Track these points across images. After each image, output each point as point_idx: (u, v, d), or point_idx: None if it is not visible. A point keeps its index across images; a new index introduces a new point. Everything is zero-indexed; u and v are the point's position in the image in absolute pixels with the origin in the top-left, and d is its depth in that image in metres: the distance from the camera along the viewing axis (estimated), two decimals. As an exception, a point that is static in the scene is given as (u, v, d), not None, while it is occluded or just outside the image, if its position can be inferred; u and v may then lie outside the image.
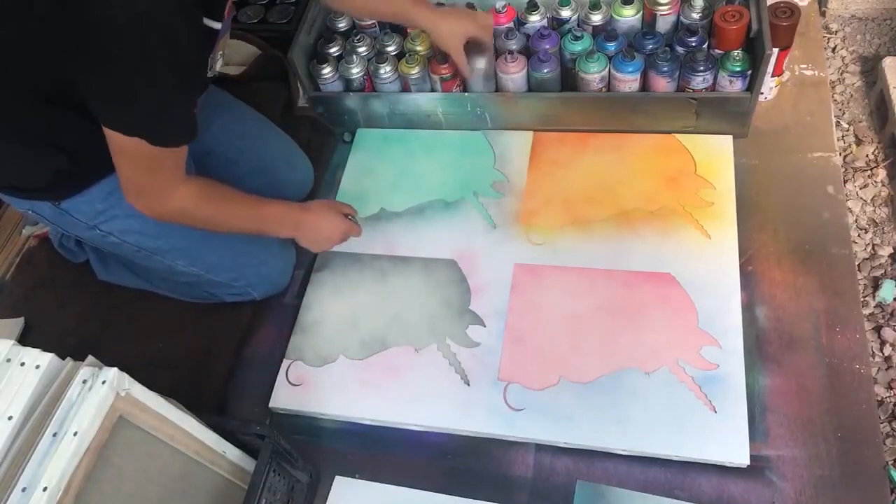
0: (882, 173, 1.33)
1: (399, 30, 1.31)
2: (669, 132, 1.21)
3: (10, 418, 0.61)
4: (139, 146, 0.80)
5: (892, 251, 1.24)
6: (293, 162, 1.24)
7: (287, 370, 1.08)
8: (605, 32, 1.18)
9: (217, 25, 0.85)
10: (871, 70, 1.47)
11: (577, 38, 1.17)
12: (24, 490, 0.58)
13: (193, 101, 0.88)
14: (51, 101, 0.85)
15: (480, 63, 1.11)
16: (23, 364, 0.63)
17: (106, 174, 0.95)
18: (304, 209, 1.08)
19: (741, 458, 0.89)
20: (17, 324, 1.21)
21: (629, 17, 1.19)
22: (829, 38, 1.55)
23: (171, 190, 0.89)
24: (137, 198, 0.89)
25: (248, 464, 0.86)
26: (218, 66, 0.92)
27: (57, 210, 0.98)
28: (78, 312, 1.22)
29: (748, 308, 1.02)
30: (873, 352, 1.13)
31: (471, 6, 1.25)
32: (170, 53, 0.76)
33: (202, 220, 0.95)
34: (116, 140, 0.81)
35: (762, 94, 1.21)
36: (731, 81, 1.12)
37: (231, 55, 1.30)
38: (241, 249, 1.09)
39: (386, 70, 1.24)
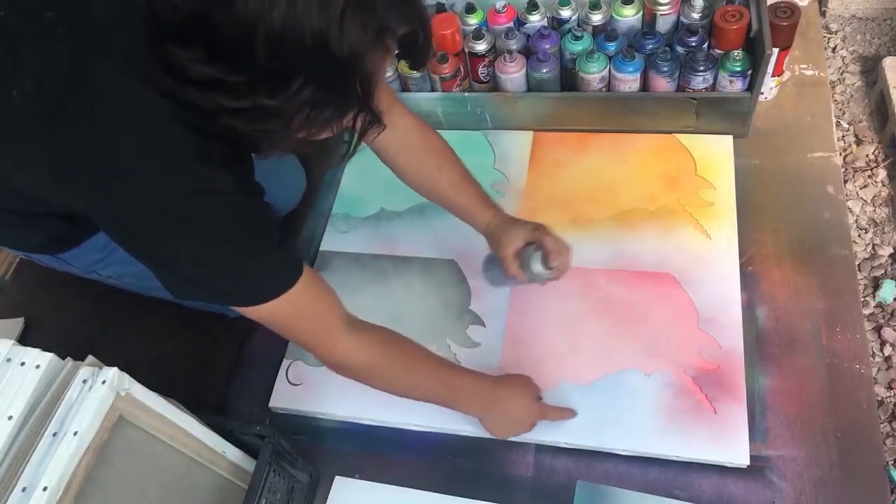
0: (882, 173, 1.33)
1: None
2: (669, 132, 1.21)
3: (10, 418, 0.60)
4: (260, 311, 0.70)
5: (892, 251, 1.24)
6: (285, 172, 1.21)
7: (287, 370, 1.08)
8: (605, 32, 1.18)
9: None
10: (871, 70, 1.47)
11: (577, 38, 1.17)
12: (24, 490, 0.58)
13: (262, 243, 0.70)
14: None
15: (537, 266, 0.99)
16: (23, 364, 0.63)
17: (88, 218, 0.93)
18: (497, 384, 0.93)
19: (741, 458, 0.89)
20: (17, 324, 1.21)
21: (629, 17, 1.19)
22: (829, 38, 1.55)
23: (331, 344, 0.77)
24: (319, 359, 0.80)
25: (248, 464, 0.86)
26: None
27: (54, 259, 0.97)
28: (78, 312, 1.22)
29: (748, 308, 1.02)
30: (873, 352, 1.13)
31: (471, 6, 1.26)
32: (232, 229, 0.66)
33: (384, 379, 0.84)
34: (242, 312, 0.71)
35: (762, 94, 1.21)
36: (731, 81, 1.12)
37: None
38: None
39: (386, 70, 1.24)
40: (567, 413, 0.95)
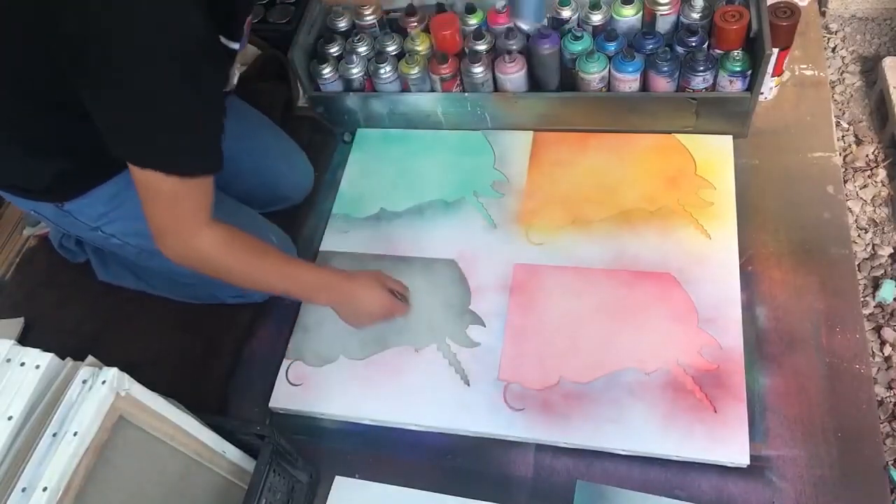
0: (882, 173, 1.33)
1: (399, 30, 1.31)
2: (669, 132, 1.21)
3: (10, 418, 0.61)
4: (157, 180, 0.76)
5: (892, 251, 1.24)
6: (293, 162, 1.24)
7: (287, 370, 1.08)
8: (605, 32, 1.18)
9: (236, 46, 0.83)
10: (871, 70, 1.47)
11: (577, 38, 1.17)
12: (24, 490, 0.58)
13: (217, 127, 0.80)
14: (56, 109, 0.83)
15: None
16: (23, 364, 0.63)
17: (110, 176, 0.94)
18: (346, 278, 1.02)
19: (741, 458, 0.89)
20: (17, 324, 1.21)
21: (629, 17, 1.19)
22: (829, 38, 1.55)
23: (194, 231, 0.83)
24: (159, 239, 0.84)
25: (248, 464, 0.86)
26: (234, 80, 0.90)
27: (60, 211, 0.97)
28: (78, 312, 1.22)
29: (748, 308, 1.02)
30: (873, 352, 1.13)
31: (471, 6, 1.26)
32: (191, 84, 0.73)
33: (226, 268, 0.88)
34: (135, 175, 0.77)
35: (762, 94, 1.21)
36: (731, 81, 1.12)
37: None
38: None
39: (386, 70, 1.24)
40: (401, 287, 1.06)
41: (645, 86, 1.18)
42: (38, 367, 0.63)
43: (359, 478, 0.98)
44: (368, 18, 1.31)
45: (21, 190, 0.97)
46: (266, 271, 0.91)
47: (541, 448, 0.97)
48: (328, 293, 0.99)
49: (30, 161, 0.92)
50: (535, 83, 1.24)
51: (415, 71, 1.23)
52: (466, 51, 1.24)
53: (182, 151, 0.77)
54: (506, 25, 1.24)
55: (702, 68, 1.11)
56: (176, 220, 0.82)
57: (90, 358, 0.66)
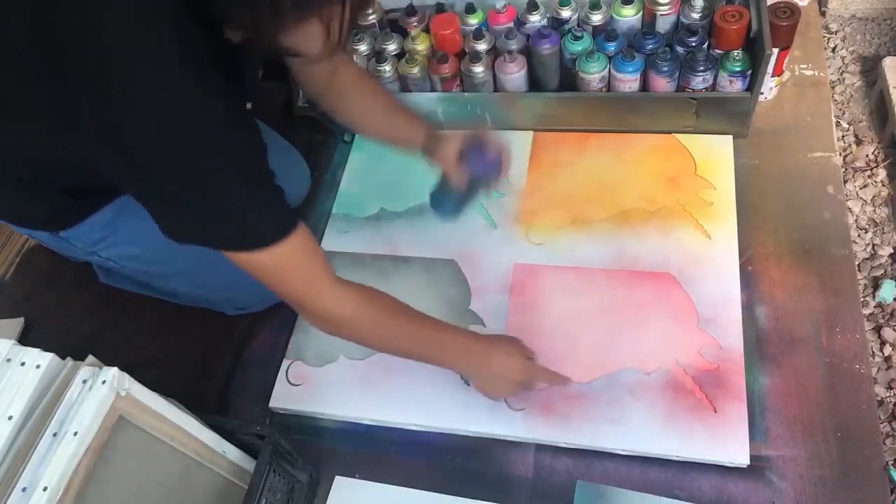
0: (882, 173, 1.33)
1: (399, 30, 1.31)
2: (669, 132, 1.21)
3: (10, 418, 0.60)
4: (249, 260, 0.71)
5: (892, 251, 1.24)
6: (290, 166, 1.22)
7: (287, 370, 1.08)
8: (605, 32, 1.18)
9: (249, 105, 0.78)
10: (871, 70, 1.47)
11: (577, 38, 1.17)
12: (24, 490, 0.58)
13: (271, 185, 0.72)
14: (56, 158, 0.78)
15: (478, 161, 0.97)
16: (23, 364, 0.63)
17: (105, 204, 0.92)
18: (486, 342, 0.92)
19: (741, 458, 0.89)
20: (17, 324, 1.21)
21: (629, 17, 1.19)
22: (829, 38, 1.55)
23: (320, 295, 0.78)
24: (300, 313, 0.81)
25: (248, 464, 0.86)
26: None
27: (55, 237, 0.96)
28: (78, 312, 1.22)
29: (748, 308, 1.02)
30: (873, 352, 1.13)
31: (471, 6, 1.26)
32: (231, 159, 0.67)
33: (368, 332, 0.83)
34: (230, 258, 0.72)
35: (762, 94, 1.21)
36: (731, 81, 1.12)
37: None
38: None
39: (386, 70, 1.24)
40: (559, 378, 0.93)
41: (645, 86, 1.18)
42: (38, 366, 0.63)
43: (359, 478, 0.98)
44: (368, 18, 1.31)
45: (16, 222, 0.96)
46: (412, 333, 0.86)
47: (541, 448, 0.97)
48: (469, 360, 0.90)
49: (26, 198, 0.89)
50: (535, 83, 1.24)
51: (415, 71, 1.23)
52: (466, 51, 1.24)
53: (250, 224, 0.70)
54: (506, 25, 1.24)
55: (702, 68, 1.11)
56: (294, 290, 0.78)
57: (90, 358, 0.66)
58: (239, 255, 0.71)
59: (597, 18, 1.21)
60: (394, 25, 1.32)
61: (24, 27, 0.63)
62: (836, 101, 1.43)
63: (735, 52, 1.10)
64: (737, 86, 1.12)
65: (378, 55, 1.26)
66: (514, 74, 1.20)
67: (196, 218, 0.69)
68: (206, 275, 1.02)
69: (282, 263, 0.73)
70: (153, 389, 0.70)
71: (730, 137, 1.19)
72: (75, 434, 0.60)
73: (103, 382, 0.63)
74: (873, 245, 1.25)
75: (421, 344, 0.88)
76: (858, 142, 1.38)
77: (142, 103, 0.61)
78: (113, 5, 0.60)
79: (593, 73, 1.15)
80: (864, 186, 1.32)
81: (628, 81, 1.16)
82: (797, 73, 1.28)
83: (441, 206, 1.05)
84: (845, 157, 1.36)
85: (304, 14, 0.61)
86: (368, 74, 1.01)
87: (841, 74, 1.49)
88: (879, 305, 1.19)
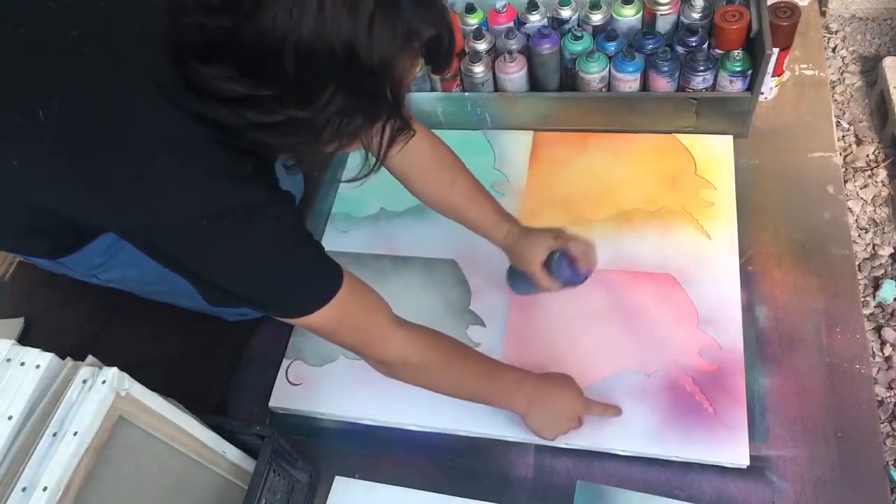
0: (882, 173, 1.33)
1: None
2: (669, 132, 1.21)
3: (10, 418, 0.60)
4: (307, 322, 0.71)
5: (893, 251, 1.24)
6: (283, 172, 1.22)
7: (287, 370, 1.08)
8: (605, 32, 1.18)
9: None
10: (871, 70, 1.47)
11: (577, 38, 1.17)
12: (24, 490, 0.58)
13: (312, 242, 0.72)
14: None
15: (567, 273, 0.95)
16: (23, 364, 0.63)
17: (103, 231, 0.91)
18: (541, 378, 0.91)
19: (741, 458, 0.89)
20: (17, 324, 1.21)
21: (629, 17, 1.19)
22: (829, 38, 1.55)
23: (381, 343, 0.77)
24: (364, 360, 0.80)
25: (248, 464, 0.86)
26: None
27: (54, 263, 0.96)
28: (78, 312, 1.22)
29: (748, 308, 1.02)
30: (873, 352, 1.13)
31: (471, 6, 1.26)
32: (267, 235, 0.66)
33: (435, 375, 0.83)
34: (290, 321, 0.72)
35: (762, 94, 1.21)
36: (731, 81, 1.12)
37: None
38: None
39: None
40: (611, 410, 0.93)
41: (645, 86, 1.18)
42: (38, 366, 0.63)
43: (359, 478, 0.98)
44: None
45: (13, 251, 0.96)
46: (470, 371, 0.85)
47: (541, 448, 0.96)
48: (525, 398, 0.89)
49: (29, 237, 0.89)
50: (535, 83, 1.24)
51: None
52: (466, 50, 1.24)
53: (293, 293, 0.70)
54: (506, 25, 1.24)
55: (702, 68, 1.11)
56: (356, 342, 0.77)
57: (90, 358, 0.66)
58: (295, 319, 0.71)
59: (597, 18, 1.21)
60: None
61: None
62: (836, 101, 1.43)
63: (735, 52, 1.10)
64: (737, 86, 1.12)
65: (378, 55, 1.26)
66: (514, 74, 1.19)
67: (240, 295, 0.68)
68: None
69: (335, 321, 0.72)
70: (153, 389, 0.70)
71: (730, 137, 1.19)
72: (75, 434, 0.60)
73: (103, 382, 0.63)
74: (873, 245, 1.25)
75: (480, 386, 0.88)
76: (859, 142, 1.38)
77: (172, 209, 0.61)
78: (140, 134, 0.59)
79: (593, 73, 1.15)
80: (865, 186, 1.32)
81: (628, 81, 1.16)
82: (797, 73, 1.28)
83: (518, 287, 1.04)
84: (845, 157, 1.36)
85: (344, 144, 0.60)
86: (443, 147, 0.96)
87: (841, 74, 1.49)
88: (880, 305, 1.19)
